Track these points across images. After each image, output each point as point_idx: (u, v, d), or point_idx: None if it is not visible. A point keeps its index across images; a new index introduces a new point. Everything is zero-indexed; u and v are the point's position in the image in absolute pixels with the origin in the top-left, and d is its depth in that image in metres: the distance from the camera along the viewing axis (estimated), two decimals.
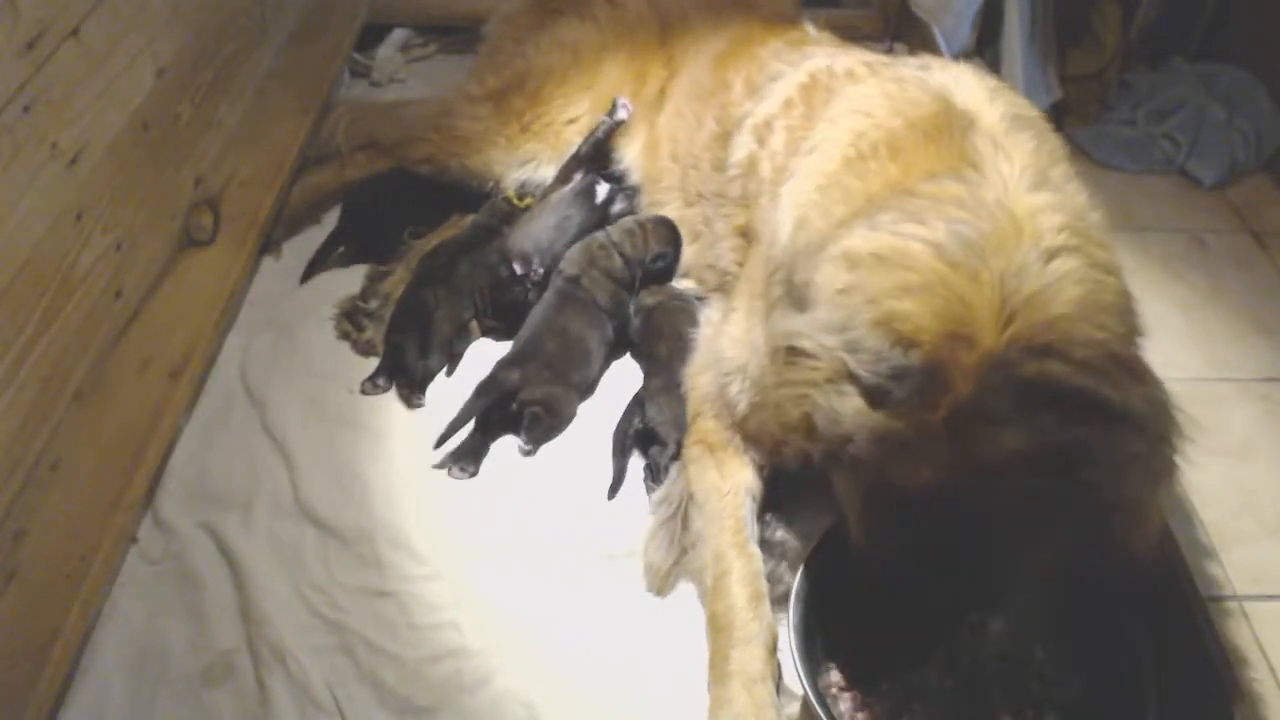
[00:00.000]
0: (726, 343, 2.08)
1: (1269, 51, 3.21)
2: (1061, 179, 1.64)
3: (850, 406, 1.37)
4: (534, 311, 2.45)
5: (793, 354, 1.49)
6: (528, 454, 2.24)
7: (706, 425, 2.11)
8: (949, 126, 1.67)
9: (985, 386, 1.31)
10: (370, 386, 2.38)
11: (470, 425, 2.23)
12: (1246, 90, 3.20)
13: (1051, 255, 1.40)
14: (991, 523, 1.36)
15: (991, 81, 1.85)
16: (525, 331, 2.40)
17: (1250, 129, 3.11)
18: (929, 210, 1.50)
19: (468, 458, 2.21)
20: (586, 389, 2.39)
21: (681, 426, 2.17)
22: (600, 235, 2.58)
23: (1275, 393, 2.43)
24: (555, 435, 2.29)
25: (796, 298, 1.71)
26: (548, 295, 2.47)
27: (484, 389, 2.26)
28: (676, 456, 2.14)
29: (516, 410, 2.25)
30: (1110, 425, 1.33)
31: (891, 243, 1.48)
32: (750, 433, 2.01)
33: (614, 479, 2.17)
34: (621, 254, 2.53)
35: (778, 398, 1.52)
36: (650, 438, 2.20)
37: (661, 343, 2.38)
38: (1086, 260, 1.43)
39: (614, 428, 2.26)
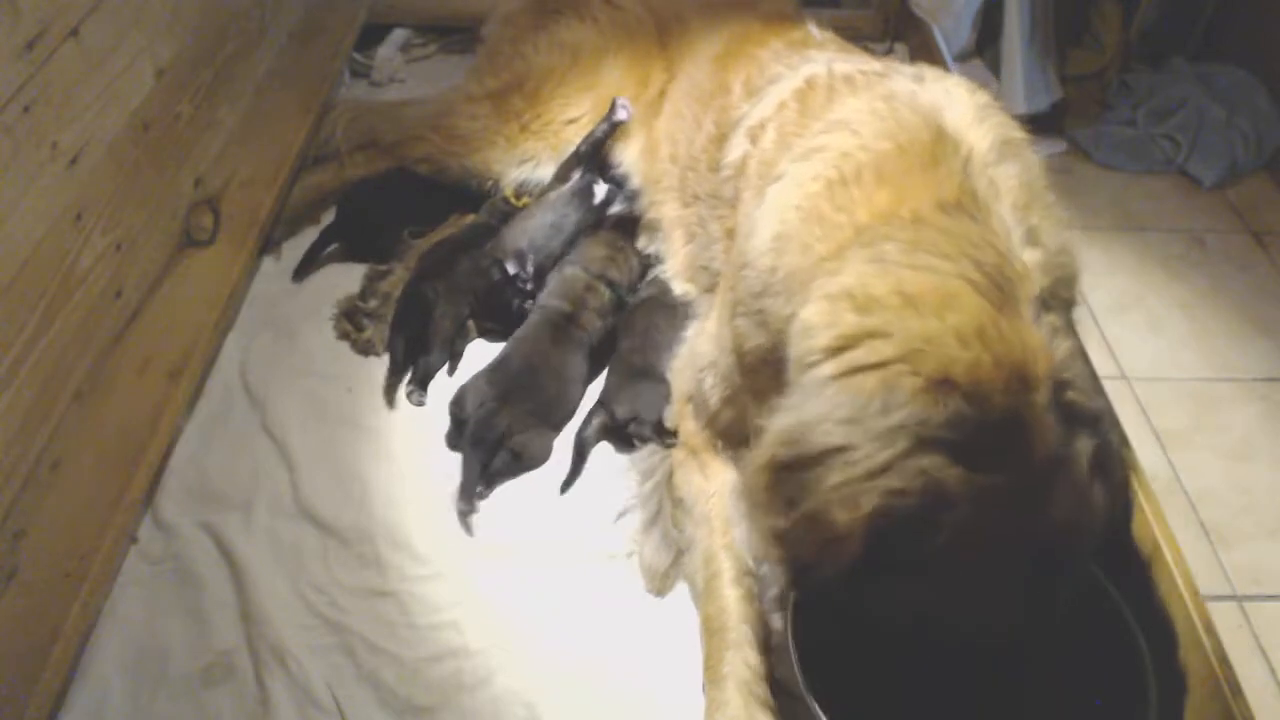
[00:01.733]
0: (704, 340, 2.07)
1: (1269, 51, 3.21)
2: (1041, 224, 1.59)
3: (951, 475, 1.27)
4: (520, 337, 2.36)
5: (824, 457, 1.33)
6: (481, 496, 2.14)
7: (687, 427, 2.10)
8: (945, 155, 1.61)
9: (1059, 419, 1.33)
10: (392, 383, 2.37)
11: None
12: (1246, 90, 3.20)
13: (1047, 308, 1.45)
14: (1077, 539, 1.38)
15: (983, 97, 1.80)
16: (513, 363, 2.29)
17: (1250, 129, 3.12)
18: (946, 243, 1.44)
19: (469, 491, 2.14)
20: (562, 424, 2.30)
21: (652, 409, 2.19)
22: (580, 273, 2.46)
23: (1275, 393, 2.43)
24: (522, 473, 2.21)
25: (772, 329, 1.66)
26: (536, 319, 2.39)
27: (478, 438, 2.16)
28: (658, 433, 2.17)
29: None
30: (1110, 433, 1.43)
31: (917, 280, 1.40)
32: (721, 429, 2.01)
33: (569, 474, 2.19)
34: (610, 283, 2.47)
35: (812, 509, 1.34)
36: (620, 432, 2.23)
37: (627, 338, 2.38)
38: (1066, 319, 1.50)
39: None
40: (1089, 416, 1.38)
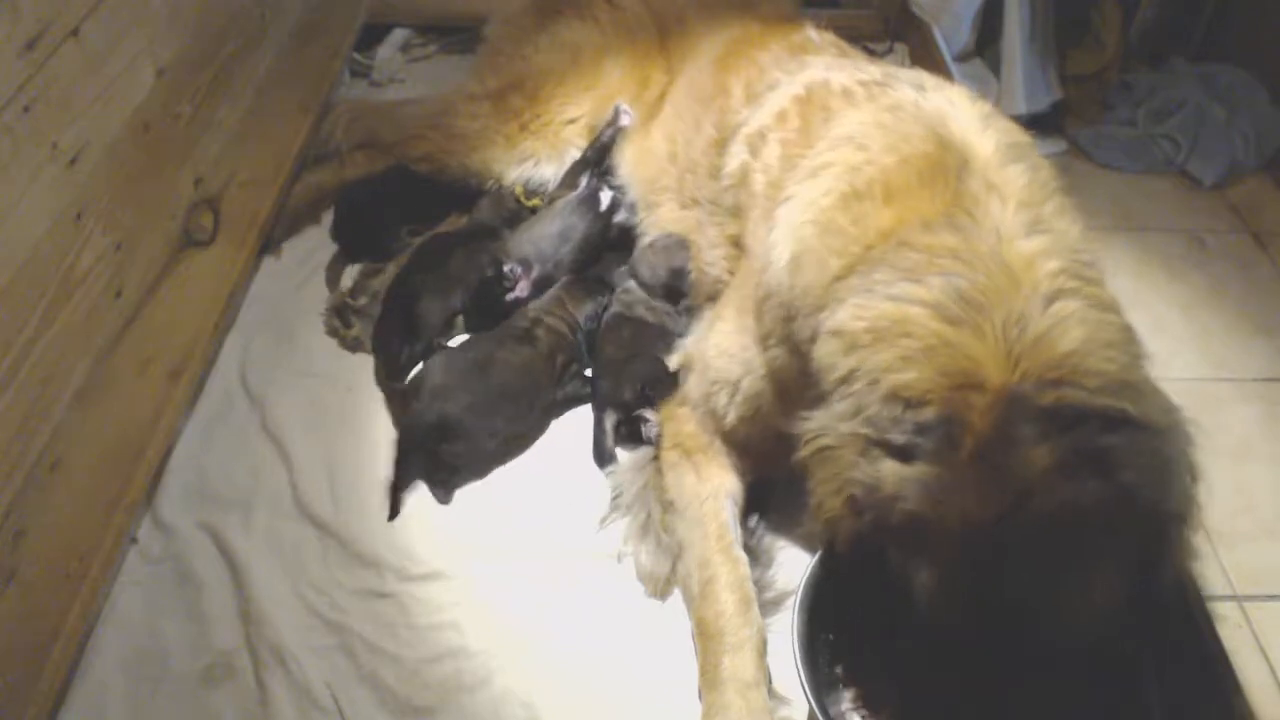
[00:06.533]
0: (714, 352, 2.06)
1: (1269, 51, 3.22)
2: (1053, 215, 1.60)
3: (886, 470, 1.40)
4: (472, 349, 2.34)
5: (821, 452, 1.52)
6: (443, 501, 2.13)
7: (685, 429, 2.09)
8: (943, 165, 1.63)
9: (1004, 417, 1.34)
10: (377, 368, 2.39)
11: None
12: (1246, 90, 3.21)
13: (1051, 299, 1.42)
14: (1045, 544, 1.33)
15: (985, 106, 1.81)
16: (459, 362, 2.27)
17: (1250, 129, 3.12)
18: (924, 265, 1.50)
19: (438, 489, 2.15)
20: (514, 440, 2.24)
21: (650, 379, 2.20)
22: (540, 313, 2.41)
23: (1275, 393, 2.44)
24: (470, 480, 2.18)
25: (800, 351, 1.71)
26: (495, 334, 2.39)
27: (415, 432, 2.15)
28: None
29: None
30: (1136, 433, 1.36)
31: (887, 311, 1.49)
32: (737, 442, 2.03)
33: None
34: (557, 330, 2.42)
35: (817, 497, 1.53)
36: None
37: (608, 346, 2.37)
38: (1086, 301, 1.45)
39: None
40: (1088, 415, 1.33)
